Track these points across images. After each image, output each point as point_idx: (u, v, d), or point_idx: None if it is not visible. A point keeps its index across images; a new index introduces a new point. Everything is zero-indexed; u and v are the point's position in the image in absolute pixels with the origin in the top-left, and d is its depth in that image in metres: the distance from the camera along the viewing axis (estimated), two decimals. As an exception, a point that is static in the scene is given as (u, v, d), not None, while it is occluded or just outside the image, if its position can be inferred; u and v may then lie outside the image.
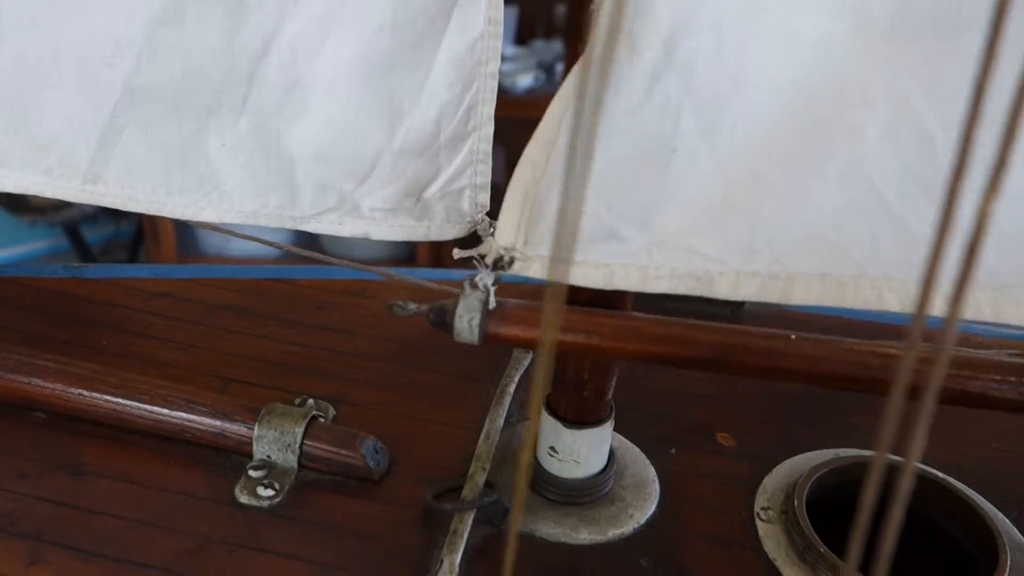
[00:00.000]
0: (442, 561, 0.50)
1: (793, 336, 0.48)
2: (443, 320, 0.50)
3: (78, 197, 0.60)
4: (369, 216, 0.59)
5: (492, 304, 0.49)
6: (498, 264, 0.49)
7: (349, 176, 0.57)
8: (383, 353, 0.70)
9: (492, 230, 0.57)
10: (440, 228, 0.59)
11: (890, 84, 0.42)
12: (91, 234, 2.52)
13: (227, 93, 0.56)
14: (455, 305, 0.49)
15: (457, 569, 0.50)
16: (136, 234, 2.42)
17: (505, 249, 0.49)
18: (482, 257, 0.50)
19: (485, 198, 0.57)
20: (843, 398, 0.68)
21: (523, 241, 0.49)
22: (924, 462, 0.61)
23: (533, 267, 0.48)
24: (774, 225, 0.46)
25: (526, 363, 0.68)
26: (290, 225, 0.60)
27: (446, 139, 0.55)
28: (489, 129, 0.55)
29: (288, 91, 0.55)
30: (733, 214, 0.46)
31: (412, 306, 0.51)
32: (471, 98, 0.54)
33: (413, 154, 0.56)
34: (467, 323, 0.49)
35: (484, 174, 0.56)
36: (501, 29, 0.52)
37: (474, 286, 0.49)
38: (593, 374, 0.53)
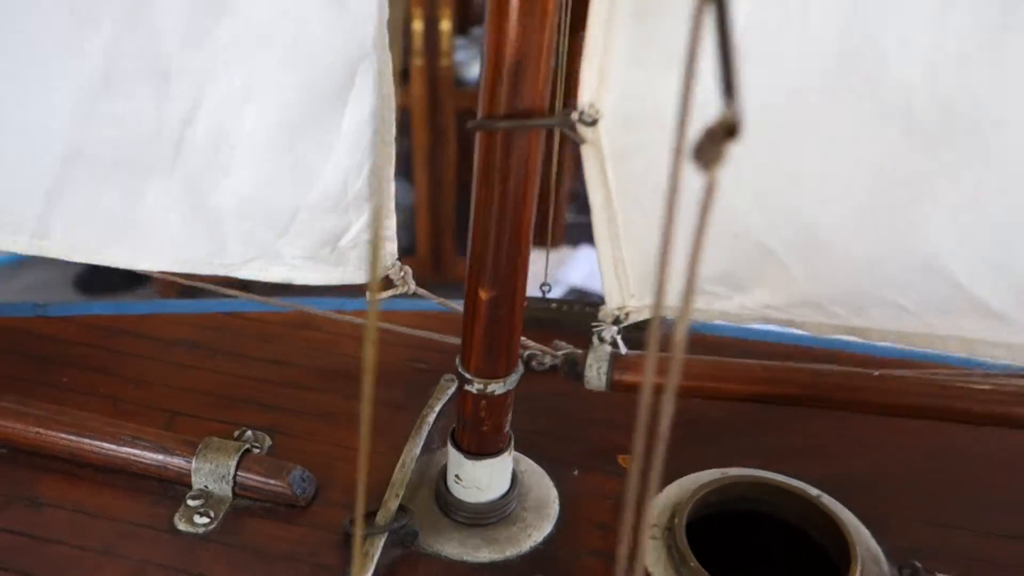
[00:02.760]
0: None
1: (876, 373, 0.59)
2: (574, 371, 0.64)
3: (27, 250, 0.68)
4: (291, 263, 0.67)
5: (623, 350, 0.63)
6: (617, 321, 0.63)
7: (270, 229, 0.65)
8: (318, 384, 0.77)
9: (403, 273, 0.66)
10: (354, 274, 0.67)
11: None
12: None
13: (159, 157, 0.63)
14: (585, 356, 0.64)
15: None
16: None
17: (618, 309, 0.63)
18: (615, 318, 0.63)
19: (392, 247, 0.65)
20: (738, 419, 0.76)
21: (629, 296, 0.62)
22: (803, 479, 0.69)
23: (645, 312, 0.59)
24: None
25: (449, 392, 0.76)
26: (221, 272, 0.68)
27: (353, 198, 0.63)
28: (391, 188, 0.63)
29: (212, 155, 0.63)
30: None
31: (547, 359, 0.66)
32: (371, 164, 0.61)
33: (325, 210, 0.64)
34: (596, 372, 0.63)
35: (390, 227, 0.64)
36: (394, 103, 0.59)
37: (601, 340, 0.63)
38: (489, 412, 0.60)
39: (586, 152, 0.53)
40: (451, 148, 2.11)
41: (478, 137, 0.50)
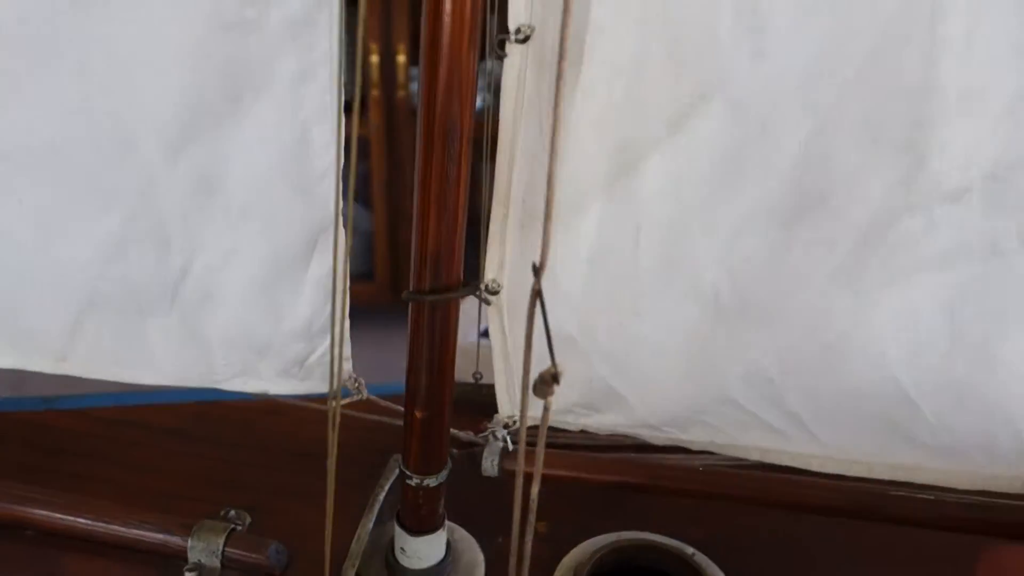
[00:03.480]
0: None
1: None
2: (473, 462, 0.84)
3: (51, 370, 0.84)
4: (267, 379, 0.83)
5: (510, 447, 0.82)
6: (506, 426, 0.84)
7: (251, 352, 0.82)
8: (289, 465, 0.94)
9: (358, 384, 0.83)
10: (318, 385, 0.84)
11: None
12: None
13: (160, 300, 0.80)
14: (482, 451, 0.84)
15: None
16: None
17: (508, 417, 0.83)
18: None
19: (349, 366, 0.82)
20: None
21: (515, 409, 0.81)
22: (684, 540, 0.87)
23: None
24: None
25: (396, 471, 0.93)
26: (210, 385, 0.84)
27: (317, 329, 0.80)
28: (347, 323, 0.80)
29: (203, 299, 0.80)
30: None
31: (455, 451, 0.84)
32: (329, 306, 0.79)
33: (295, 338, 0.81)
34: (490, 463, 0.83)
35: (347, 349, 0.81)
36: (348, 260, 0.76)
37: (495, 438, 0.84)
38: (426, 499, 0.78)
39: (490, 312, 0.71)
40: (408, 176, 2.24)
41: (411, 304, 0.68)
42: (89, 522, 0.82)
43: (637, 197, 0.68)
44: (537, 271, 0.42)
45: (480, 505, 0.90)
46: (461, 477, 0.83)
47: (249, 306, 0.80)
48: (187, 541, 0.81)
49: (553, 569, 0.83)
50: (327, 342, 0.81)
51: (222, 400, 1.03)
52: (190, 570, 0.80)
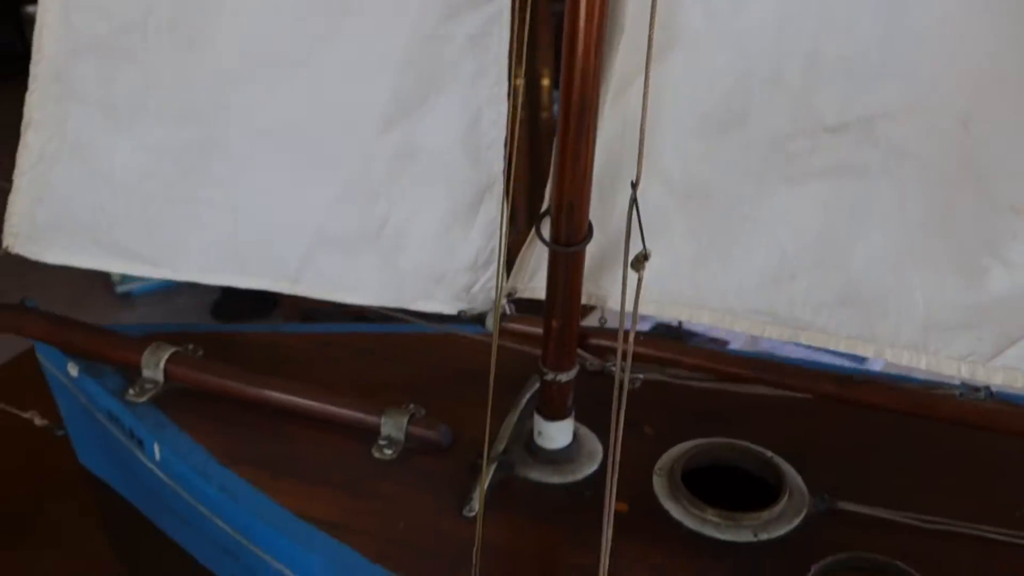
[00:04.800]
0: (475, 487, 1.02)
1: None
2: (480, 319, 1.10)
3: (287, 291, 1.16)
4: (442, 301, 1.12)
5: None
6: (510, 295, 1.09)
7: (431, 281, 1.11)
8: (453, 380, 1.22)
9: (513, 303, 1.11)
10: (480, 307, 1.12)
11: None
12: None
13: (368, 240, 1.10)
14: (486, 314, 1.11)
15: (485, 495, 1.02)
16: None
17: (511, 290, 1.07)
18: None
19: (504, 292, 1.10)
20: (733, 401, 1.17)
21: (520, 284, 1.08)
22: (766, 446, 1.09)
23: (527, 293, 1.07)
24: None
25: (535, 386, 1.19)
26: (400, 305, 1.14)
27: (480, 264, 1.08)
28: (503, 259, 1.07)
29: (398, 240, 1.09)
30: None
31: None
32: (492, 243, 1.07)
33: (464, 271, 1.09)
34: (492, 321, 1.10)
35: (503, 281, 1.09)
36: (508, 208, 1.04)
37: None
38: (558, 391, 1.04)
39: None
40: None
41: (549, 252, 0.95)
42: (312, 403, 1.13)
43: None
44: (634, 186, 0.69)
45: (602, 413, 1.16)
46: (587, 392, 1.09)
47: (431, 246, 1.09)
48: (380, 419, 1.11)
49: (658, 458, 1.08)
50: (488, 274, 1.09)
51: (405, 332, 1.34)
52: (382, 439, 1.10)
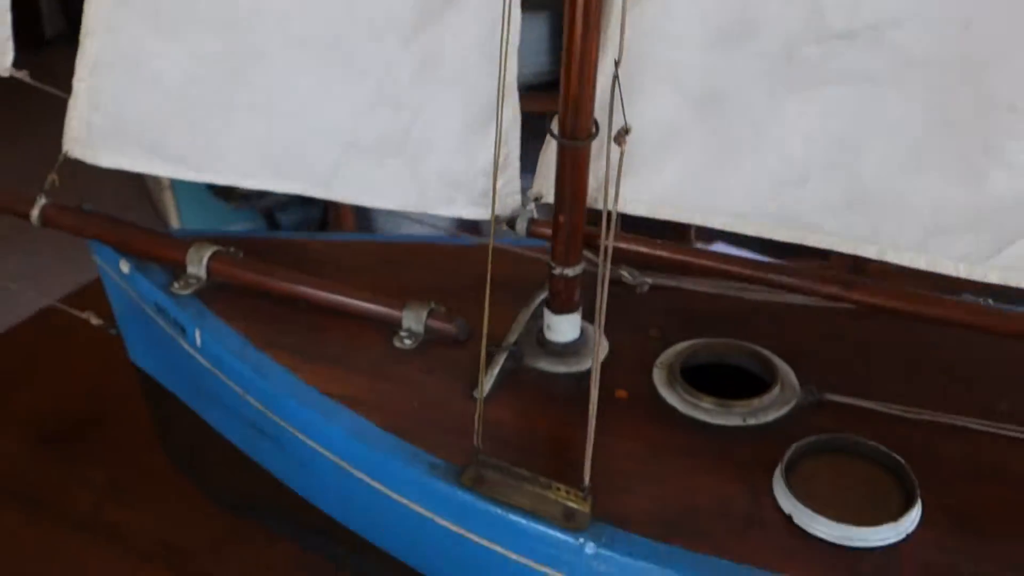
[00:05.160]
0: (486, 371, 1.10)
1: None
2: (511, 223, 1.17)
3: (320, 195, 1.24)
4: (461, 206, 1.20)
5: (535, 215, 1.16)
6: (536, 199, 1.15)
7: (451, 186, 1.19)
8: (470, 284, 1.29)
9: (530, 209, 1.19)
10: (498, 212, 1.19)
11: None
12: (283, 218, 3.29)
13: (394, 146, 1.18)
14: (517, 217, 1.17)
15: (493, 381, 1.10)
16: (322, 219, 3.15)
17: (536, 195, 1.14)
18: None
19: (517, 199, 1.17)
20: (738, 306, 1.23)
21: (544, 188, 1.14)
22: (767, 347, 1.15)
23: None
24: None
25: (541, 295, 1.26)
26: (423, 209, 1.23)
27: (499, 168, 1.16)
28: (516, 165, 1.15)
29: (422, 146, 1.17)
30: None
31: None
32: (508, 149, 1.14)
33: (481, 175, 1.17)
34: (521, 225, 1.18)
35: (515, 184, 1.16)
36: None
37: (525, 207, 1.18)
38: (565, 285, 1.11)
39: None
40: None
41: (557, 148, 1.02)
42: (339, 297, 1.22)
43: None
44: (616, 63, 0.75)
45: (612, 316, 1.23)
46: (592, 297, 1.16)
47: (452, 151, 1.17)
48: (402, 312, 1.19)
49: (660, 353, 1.15)
50: (506, 178, 1.17)
51: (436, 241, 1.42)
52: (403, 331, 1.19)
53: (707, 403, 1.07)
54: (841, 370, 1.12)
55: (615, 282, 1.28)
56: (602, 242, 0.87)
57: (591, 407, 0.90)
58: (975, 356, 1.15)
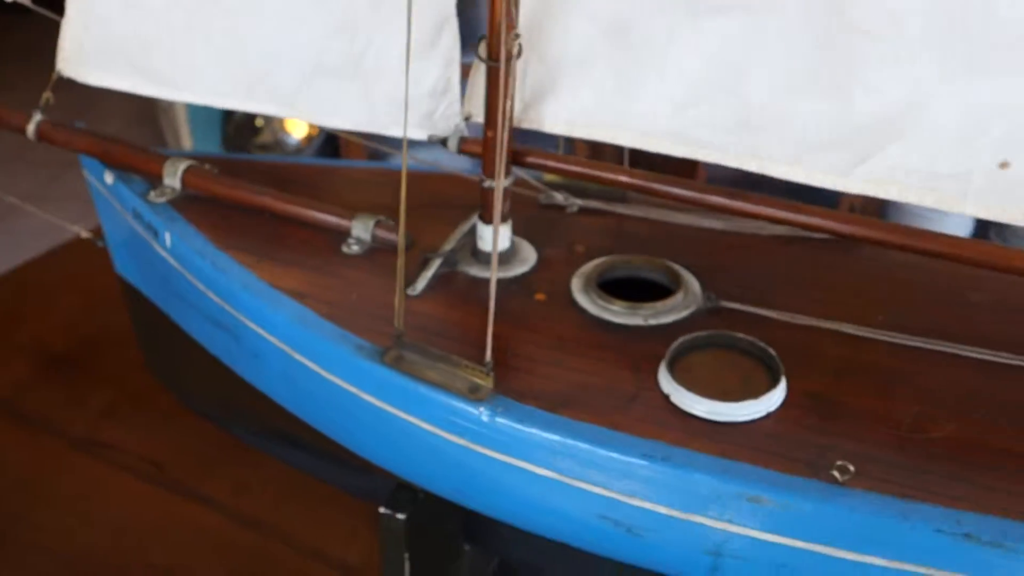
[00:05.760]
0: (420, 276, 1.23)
1: None
2: (443, 142, 1.28)
3: (285, 115, 1.37)
4: (409, 127, 1.32)
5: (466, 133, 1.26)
6: (467, 118, 1.26)
7: (399, 108, 1.31)
8: (431, 202, 1.41)
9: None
10: (443, 130, 1.31)
11: None
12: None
13: (350, 69, 1.30)
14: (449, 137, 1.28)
15: (429, 279, 1.23)
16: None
17: (467, 115, 1.25)
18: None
19: (458, 121, 1.29)
20: (659, 229, 1.34)
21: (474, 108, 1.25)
22: (680, 263, 1.26)
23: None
24: None
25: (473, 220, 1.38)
26: (375, 130, 1.34)
27: (439, 91, 1.28)
28: (456, 83, 1.27)
29: (374, 70, 1.29)
30: None
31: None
32: (448, 72, 1.26)
33: (426, 98, 1.29)
34: (453, 143, 1.27)
35: (456, 107, 1.28)
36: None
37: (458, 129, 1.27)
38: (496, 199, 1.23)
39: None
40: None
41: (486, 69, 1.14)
42: (297, 208, 1.35)
43: None
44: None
45: (544, 235, 1.35)
46: (537, 218, 1.28)
47: (398, 75, 1.29)
48: (351, 222, 1.32)
49: (582, 265, 1.27)
50: (447, 101, 1.29)
51: (388, 168, 1.55)
52: (352, 238, 1.32)
53: (616, 306, 1.18)
54: (743, 284, 1.23)
55: (550, 205, 1.41)
56: (498, 149, 0.99)
57: (490, 292, 1.02)
58: (864, 274, 1.26)
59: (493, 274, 1.02)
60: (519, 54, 1.14)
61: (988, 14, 0.94)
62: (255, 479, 1.93)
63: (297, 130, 2.80)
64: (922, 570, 0.89)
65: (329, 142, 2.77)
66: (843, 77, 1.04)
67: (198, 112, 2.76)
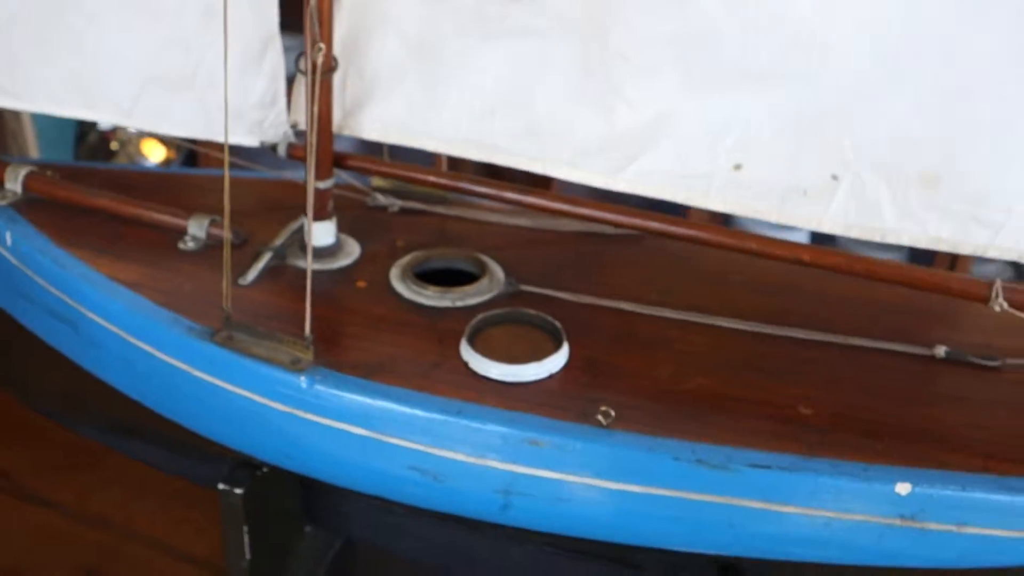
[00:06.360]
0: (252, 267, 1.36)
1: None
2: (274, 149, 1.40)
3: (119, 122, 1.48)
4: (241, 135, 1.45)
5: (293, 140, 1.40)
6: (293, 126, 1.40)
7: (232, 117, 1.44)
8: (266, 204, 1.54)
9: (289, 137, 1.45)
10: (273, 137, 1.45)
11: None
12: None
13: (185, 82, 1.42)
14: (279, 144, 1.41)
15: (260, 270, 1.36)
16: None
17: (292, 123, 1.40)
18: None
19: (286, 129, 1.44)
20: (474, 227, 1.52)
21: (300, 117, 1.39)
22: (489, 255, 1.44)
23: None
24: None
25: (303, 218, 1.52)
26: (210, 137, 1.47)
27: (268, 102, 1.42)
28: (283, 90, 1.41)
29: (207, 84, 1.42)
30: None
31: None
32: (276, 85, 1.40)
33: (255, 108, 1.42)
34: (282, 148, 1.41)
35: (284, 116, 1.43)
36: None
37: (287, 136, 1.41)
38: (319, 196, 1.38)
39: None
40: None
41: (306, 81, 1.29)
42: (135, 209, 1.46)
43: None
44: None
45: (369, 234, 1.50)
46: (363, 219, 1.43)
47: (232, 84, 1.42)
48: (187, 221, 1.44)
49: (400, 257, 1.43)
50: (275, 111, 1.43)
51: (237, 175, 1.67)
52: (189, 236, 1.43)
53: (428, 291, 1.35)
54: (541, 271, 1.42)
55: (377, 207, 1.56)
56: (308, 151, 1.14)
57: (307, 273, 1.17)
58: (644, 262, 1.47)
59: (309, 251, 1.17)
60: (335, 68, 1.29)
61: (717, 40, 1.15)
62: (103, 480, 2.00)
63: (154, 153, 2.80)
64: (668, 492, 1.08)
65: (189, 163, 2.83)
66: (608, 94, 1.24)
67: (48, 132, 2.77)
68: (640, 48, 1.19)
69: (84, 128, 2.81)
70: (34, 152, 2.85)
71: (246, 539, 1.43)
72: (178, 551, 1.86)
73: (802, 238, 2.30)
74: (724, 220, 2.39)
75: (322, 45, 1.12)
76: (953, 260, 2.13)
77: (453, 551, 1.45)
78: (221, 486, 1.37)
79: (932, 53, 1.06)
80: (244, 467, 1.39)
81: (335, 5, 1.27)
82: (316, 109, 1.15)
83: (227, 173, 1.19)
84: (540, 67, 1.27)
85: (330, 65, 1.29)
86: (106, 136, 2.81)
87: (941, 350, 1.23)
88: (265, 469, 1.38)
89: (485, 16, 1.28)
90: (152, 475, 1.78)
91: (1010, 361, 1.21)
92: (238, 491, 1.37)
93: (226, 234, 1.22)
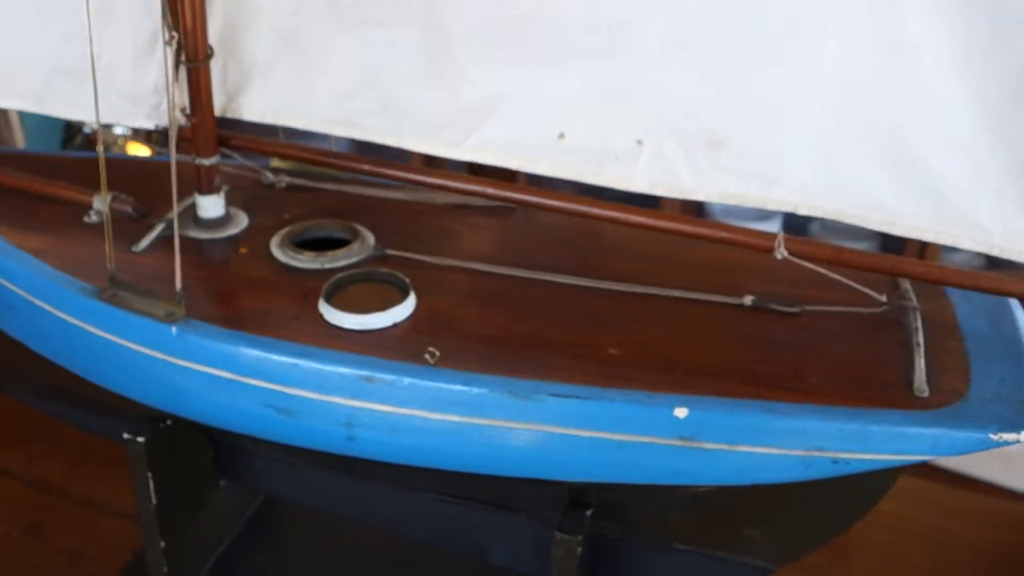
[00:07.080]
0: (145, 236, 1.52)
1: None
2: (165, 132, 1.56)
3: (31, 109, 1.64)
4: (139, 119, 1.62)
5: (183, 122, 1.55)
6: (183, 111, 1.56)
7: (131, 102, 1.60)
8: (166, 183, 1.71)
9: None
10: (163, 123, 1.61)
11: None
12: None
13: (85, 73, 1.59)
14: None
15: (153, 239, 1.52)
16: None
17: (182, 107, 1.55)
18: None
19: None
20: (355, 201, 1.68)
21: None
22: (365, 226, 1.60)
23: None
24: None
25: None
26: (113, 121, 1.63)
27: (161, 88, 1.58)
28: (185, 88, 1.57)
29: (106, 72, 1.58)
30: None
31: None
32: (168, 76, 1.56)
33: (151, 93, 1.59)
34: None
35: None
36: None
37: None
38: (206, 172, 1.54)
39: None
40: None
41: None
42: (43, 186, 1.63)
43: None
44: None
45: (256, 208, 1.66)
46: (255, 196, 1.60)
47: (129, 75, 1.59)
48: (92, 197, 1.60)
49: (283, 227, 1.59)
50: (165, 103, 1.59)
51: (147, 160, 1.83)
52: (92, 211, 1.60)
53: (301, 256, 1.50)
54: (409, 238, 1.57)
55: (270, 185, 1.72)
56: (171, 131, 1.30)
57: (174, 234, 1.33)
58: (511, 230, 1.62)
59: (175, 214, 1.33)
60: (211, 55, 1.46)
61: (529, 24, 1.31)
62: (51, 449, 2.19)
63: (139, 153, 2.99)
64: (483, 421, 1.24)
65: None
66: (449, 73, 1.40)
67: (35, 137, 2.96)
68: (471, 33, 1.35)
69: (71, 131, 3.01)
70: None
71: (151, 485, 1.59)
72: (113, 508, 2.04)
73: (777, 222, 2.42)
74: (697, 210, 2.52)
75: (175, 34, 1.27)
76: (922, 248, 2.23)
77: (352, 500, 1.61)
78: (125, 435, 1.54)
79: (714, 23, 1.21)
80: (149, 420, 1.55)
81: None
82: (172, 93, 1.30)
83: (100, 150, 1.36)
84: (391, 53, 1.43)
85: (205, 53, 1.45)
86: (91, 138, 2.99)
87: (748, 299, 1.38)
88: (169, 422, 1.54)
89: (340, 8, 1.43)
90: (98, 443, 1.95)
91: (809, 308, 1.36)
92: (140, 439, 1.54)
93: (106, 208, 1.39)
